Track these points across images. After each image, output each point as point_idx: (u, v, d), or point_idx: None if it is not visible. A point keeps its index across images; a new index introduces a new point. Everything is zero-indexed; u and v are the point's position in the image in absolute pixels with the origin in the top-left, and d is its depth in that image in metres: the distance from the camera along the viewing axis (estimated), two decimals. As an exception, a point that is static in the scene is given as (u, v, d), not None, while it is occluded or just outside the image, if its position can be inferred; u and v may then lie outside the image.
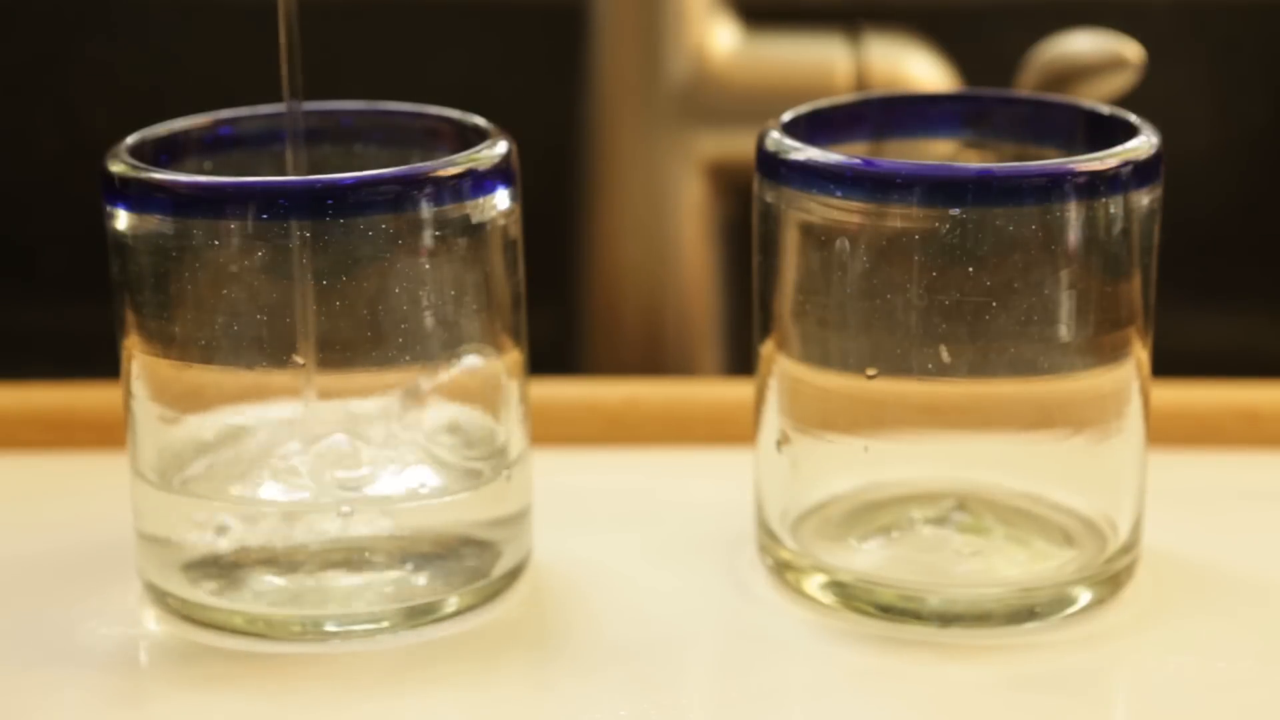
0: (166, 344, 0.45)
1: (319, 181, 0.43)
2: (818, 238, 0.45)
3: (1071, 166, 0.44)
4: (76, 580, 0.48)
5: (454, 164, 0.44)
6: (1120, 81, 0.62)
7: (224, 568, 0.46)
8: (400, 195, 0.43)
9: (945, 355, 0.44)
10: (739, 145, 0.62)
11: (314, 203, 0.43)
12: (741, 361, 0.64)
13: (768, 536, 0.47)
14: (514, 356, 0.46)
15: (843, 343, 0.45)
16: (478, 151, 0.45)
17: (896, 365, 0.45)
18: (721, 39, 0.69)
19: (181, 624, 0.46)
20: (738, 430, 0.53)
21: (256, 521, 0.45)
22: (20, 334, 0.78)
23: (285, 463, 0.46)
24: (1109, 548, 0.46)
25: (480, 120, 0.47)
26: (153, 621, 0.46)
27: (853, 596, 0.46)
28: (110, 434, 0.53)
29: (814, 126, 0.47)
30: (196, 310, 0.44)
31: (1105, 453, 0.46)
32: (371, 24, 0.77)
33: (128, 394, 0.46)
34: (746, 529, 0.49)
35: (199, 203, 0.43)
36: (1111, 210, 0.44)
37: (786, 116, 0.47)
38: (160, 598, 0.46)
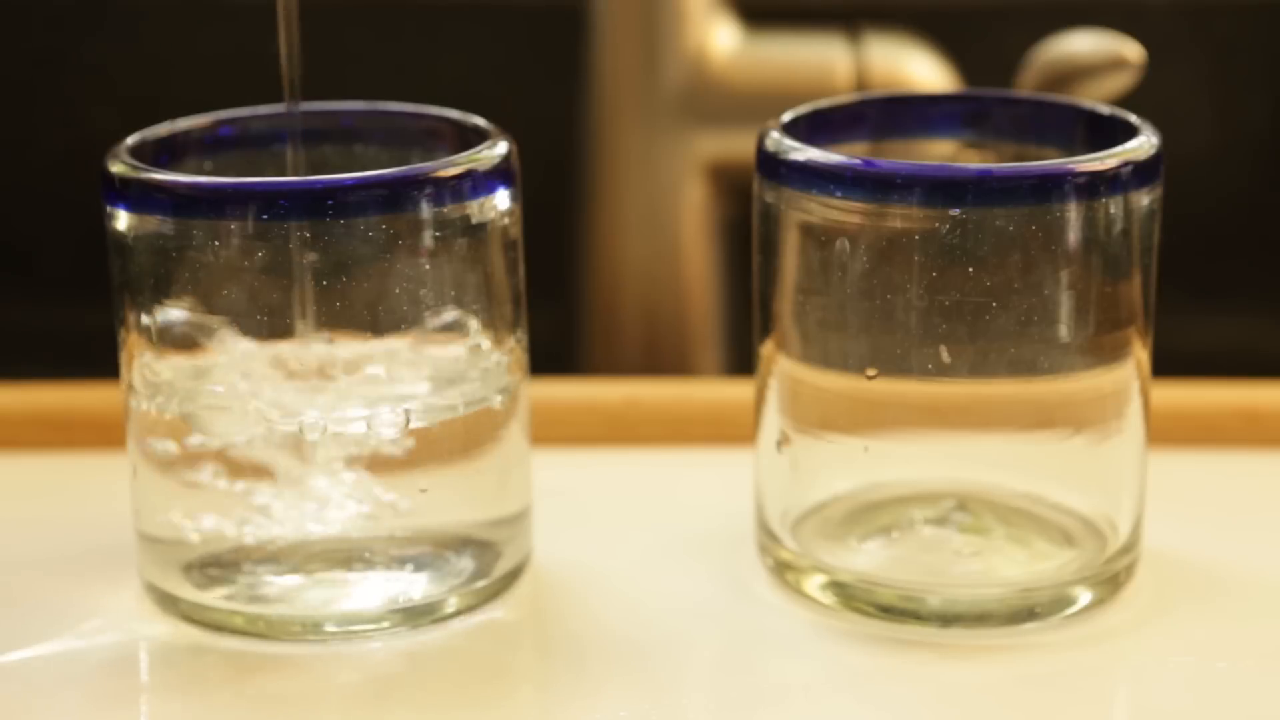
0: (167, 344, 0.45)
1: (319, 182, 0.43)
2: (818, 238, 0.45)
3: (1071, 166, 0.44)
4: (76, 580, 0.48)
5: (454, 164, 0.44)
6: (1120, 81, 0.62)
7: (224, 568, 0.46)
8: (400, 196, 0.43)
9: (945, 355, 0.44)
10: (739, 145, 0.62)
11: (314, 203, 0.43)
12: (741, 361, 0.64)
13: (768, 536, 0.47)
14: (514, 357, 0.46)
15: (843, 343, 0.45)
16: (478, 152, 0.45)
17: (896, 365, 0.45)
18: (721, 39, 0.69)
19: (181, 624, 0.46)
20: (738, 430, 0.53)
21: (265, 505, 0.45)
22: (20, 334, 0.78)
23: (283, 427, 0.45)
24: (1109, 548, 0.46)
25: (480, 120, 0.47)
26: (152, 621, 0.46)
27: (853, 597, 0.46)
28: (110, 434, 0.53)
29: (814, 127, 0.47)
30: (196, 310, 0.44)
31: (1105, 453, 0.46)
32: (372, 24, 0.77)
33: (128, 394, 0.46)
34: (746, 529, 0.49)
35: (199, 203, 0.43)
36: (1111, 210, 0.44)
37: (786, 117, 0.47)
38: (160, 597, 0.46)
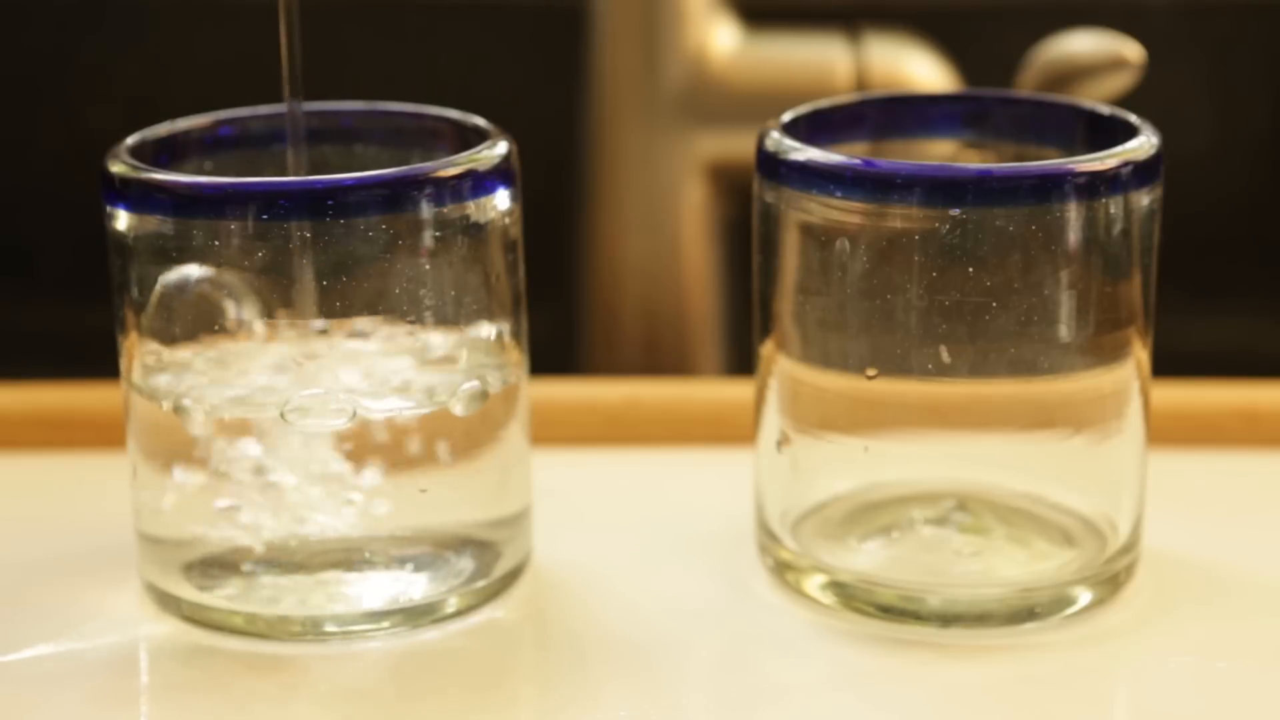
0: (166, 344, 0.45)
1: (319, 182, 0.43)
2: (818, 238, 0.45)
3: (1071, 166, 0.44)
4: (76, 580, 0.48)
5: (454, 164, 0.44)
6: (1120, 81, 0.62)
7: (224, 568, 0.46)
8: (400, 196, 0.43)
9: (945, 355, 0.44)
10: (739, 145, 0.62)
11: (314, 203, 0.43)
12: (741, 361, 0.64)
13: (768, 536, 0.47)
14: (514, 357, 0.46)
15: (843, 343, 0.45)
16: (478, 152, 0.45)
17: (896, 365, 0.45)
18: (721, 39, 0.69)
19: (181, 624, 0.46)
20: (738, 430, 0.53)
21: (265, 505, 0.45)
22: (20, 334, 0.78)
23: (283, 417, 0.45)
24: (1109, 548, 0.46)
25: (480, 120, 0.47)
26: (152, 621, 0.46)
27: (853, 597, 0.46)
28: (110, 434, 0.53)
29: (814, 127, 0.47)
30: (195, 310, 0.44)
31: (1105, 453, 0.46)
32: (372, 24, 0.77)
33: (127, 393, 0.46)
34: (746, 529, 0.49)
35: (199, 203, 0.43)
36: (1111, 210, 0.44)
37: (786, 117, 0.47)
38: (160, 597, 0.46)
